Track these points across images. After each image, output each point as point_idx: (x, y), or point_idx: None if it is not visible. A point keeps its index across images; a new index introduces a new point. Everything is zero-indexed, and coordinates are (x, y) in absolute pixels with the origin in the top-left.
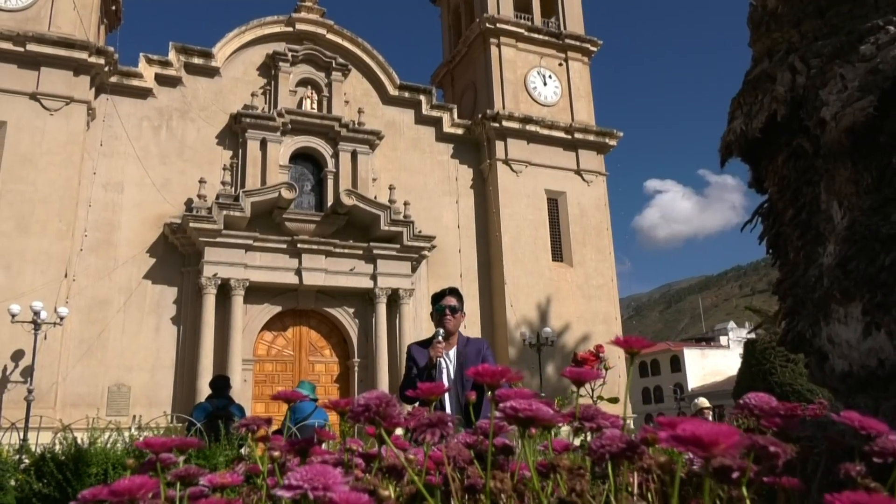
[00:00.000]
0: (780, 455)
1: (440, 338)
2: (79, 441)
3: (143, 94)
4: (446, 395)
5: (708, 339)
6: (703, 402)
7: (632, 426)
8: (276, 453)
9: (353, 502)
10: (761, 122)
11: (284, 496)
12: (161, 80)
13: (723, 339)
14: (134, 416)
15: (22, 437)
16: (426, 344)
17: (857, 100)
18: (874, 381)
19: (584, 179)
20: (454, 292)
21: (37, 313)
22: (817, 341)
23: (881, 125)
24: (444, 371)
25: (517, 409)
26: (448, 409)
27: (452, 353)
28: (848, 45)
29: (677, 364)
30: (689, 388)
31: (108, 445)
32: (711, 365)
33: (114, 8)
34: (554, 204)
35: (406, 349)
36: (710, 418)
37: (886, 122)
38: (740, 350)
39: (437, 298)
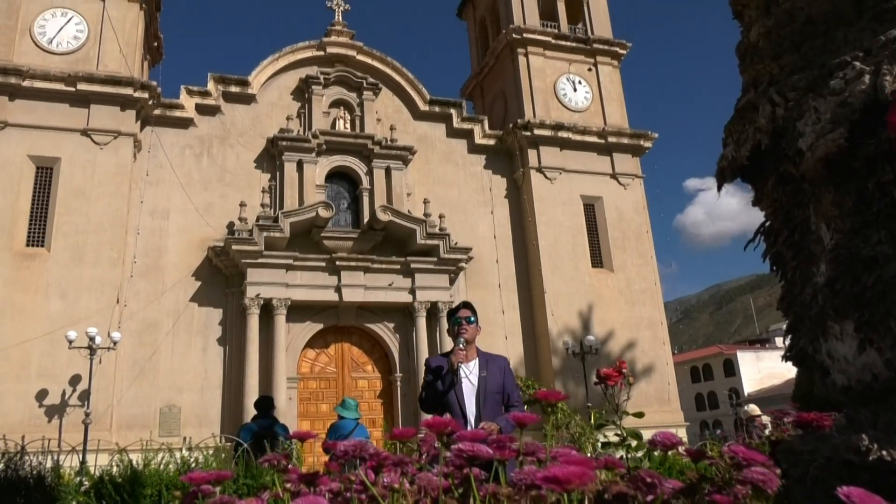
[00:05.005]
0: (657, 485)
1: (461, 345)
2: (134, 463)
3: (185, 123)
4: (469, 406)
5: (763, 341)
6: (754, 409)
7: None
8: (289, 485)
9: None
10: (748, 150)
11: None
12: (201, 109)
13: (779, 340)
14: (184, 438)
15: (81, 459)
16: (445, 356)
17: (829, 131)
18: (871, 394)
19: (620, 183)
20: (468, 305)
21: (92, 339)
22: (819, 357)
23: (855, 152)
24: (465, 380)
25: (462, 450)
26: (471, 419)
27: (473, 364)
28: (820, 80)
29: (731, 368)
30: (746, 393)
31: (161, 467)
32: (768, 368)
33: (156, 44)
34: (591, 209)
35: (424, 362)
36: (766, 425)
37: (859, 149)
38: None
39: (452, 312)
